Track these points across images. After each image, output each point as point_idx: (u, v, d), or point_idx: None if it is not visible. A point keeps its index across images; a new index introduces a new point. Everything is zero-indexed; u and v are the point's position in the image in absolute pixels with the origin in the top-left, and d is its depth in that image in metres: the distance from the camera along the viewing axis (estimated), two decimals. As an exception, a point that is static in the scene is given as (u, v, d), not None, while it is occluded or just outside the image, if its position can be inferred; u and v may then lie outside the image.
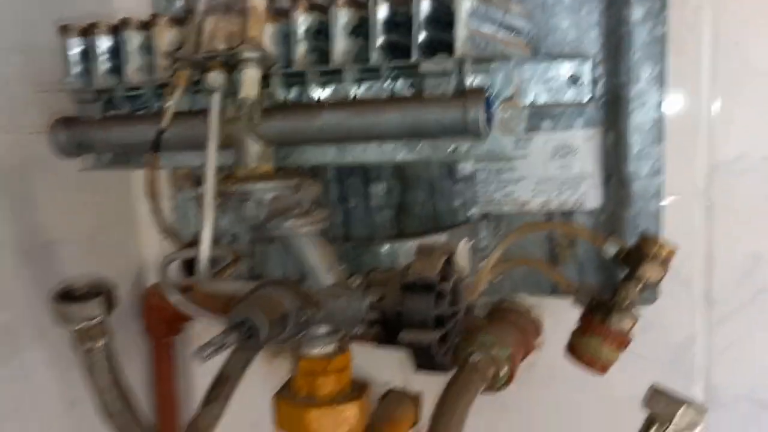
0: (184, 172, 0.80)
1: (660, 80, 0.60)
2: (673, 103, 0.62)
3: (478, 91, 0.45)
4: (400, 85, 0.48)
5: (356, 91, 0.49)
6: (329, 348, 0.57)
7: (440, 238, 0.55)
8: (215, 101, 0.45)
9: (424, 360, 0.48)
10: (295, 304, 0.51)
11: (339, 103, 0.49)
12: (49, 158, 0.61)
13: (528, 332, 0.67)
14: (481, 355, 0.60)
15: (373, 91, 0.49)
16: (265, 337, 0.48)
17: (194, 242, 0.49)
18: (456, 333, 0.50)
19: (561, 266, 0.67)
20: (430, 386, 0.80)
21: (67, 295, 0.58)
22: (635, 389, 0.67)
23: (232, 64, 0.47)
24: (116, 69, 0.53)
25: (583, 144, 0.64)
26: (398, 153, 0.50)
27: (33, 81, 0.66)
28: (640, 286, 0.53)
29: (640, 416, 0.59)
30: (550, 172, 0.66)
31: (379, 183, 0.74)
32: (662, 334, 0.65)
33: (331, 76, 0.49)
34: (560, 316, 0.69)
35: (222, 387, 0.75)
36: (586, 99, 0.60)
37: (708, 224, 0.62)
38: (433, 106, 0.45)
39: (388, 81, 0.49)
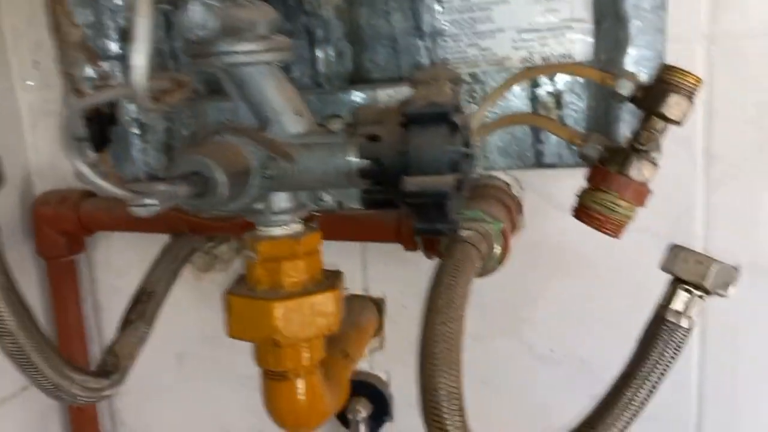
0: (75, 39, 0.63)
1: None
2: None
3: None
4: None
5: None
6: (296, 226, 0.46)
7: (450, 69, 0.43)
8: None
9: (434, 216, 0.38)
10: (260, 155, 0.39)
11: None
12: None
13: (511, 209, 0.59)
14: (472, 230, 0.50)
15: None
16: (224, 195, 0.35)
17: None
18: (468, 183, 0.40)
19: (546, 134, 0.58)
20: (391, 292, 0.71)
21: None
22: (630, 266, 0.61)
23: None
24: None
25: (573, -17, 0.55)
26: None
27: None
28: (663, 125, 0.45)
29: (637, 295, 0.53)
30: (533, 19, 0.56)
31: (327, 45, 0.62)
32: (659, 202, 0.58)
33: None
34: (545, 191, 0.61)
35: (145, 305, 0.62)
36: None
37: (710, 71, 0.55)
38: None
39: None
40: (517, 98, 0.59)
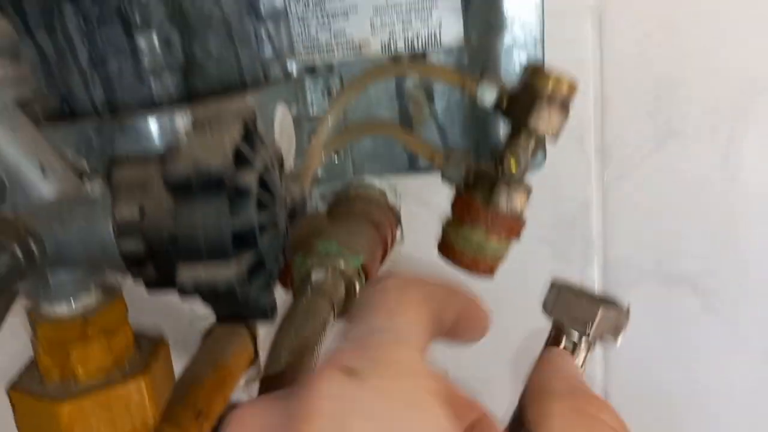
0: None
1: None
2: None
3: None
4: None
5: None
6: (87, 298, 0.36)
7: (242, 103, 0.34)
8: None
9: (228, 307, 0.29)
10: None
11: None
12: None
13: (384, 225, 0.50)
14: (325, 270, 0.42)
15: None
16: None
17: None
18: (276, 253, 0.31)
19: (417, 130, 0.49)
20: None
21: None
22: (523, 277, 0.54)
23: None
24: None
25: (436, -50, 0.44)
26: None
27: None
28: (533, 141, 0.37)
29: (535, 316, 0.46)
30: (393, -4, 0.46)
31: (149, 30, 0.50)
32: (552, 205, 0.51)
33: None
34: (423, 198, 0.53)
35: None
36: None
37: (600, 52, 0.47)
38: None
39: None
40: (381, 91, 0.49)
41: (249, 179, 0.28)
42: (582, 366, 0.40)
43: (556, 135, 0.38)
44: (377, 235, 0.48)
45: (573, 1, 0.45)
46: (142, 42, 0.50)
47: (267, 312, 0.30)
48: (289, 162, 0.47)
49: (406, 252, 0.54)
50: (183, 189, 0.26)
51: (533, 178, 0.47)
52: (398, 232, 0.54)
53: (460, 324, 0.27)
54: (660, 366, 0.54)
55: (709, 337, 0.52)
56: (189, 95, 0.51)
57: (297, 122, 0.48)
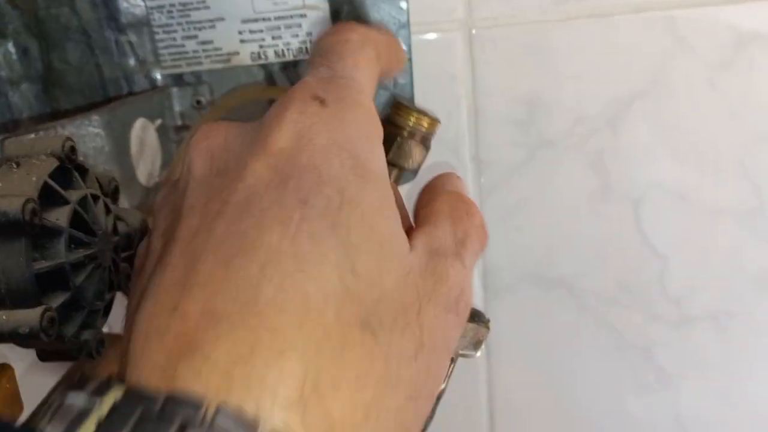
0: None
1: None
2: None
3: None
4: None
5: None
6: None
7: (59, 135, 0.32)
8: None
9: (45, 349, 0.28)
10: None
11: None
12: None
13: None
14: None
15: None
16: None
17: None
18: (99, 289, 0.29)
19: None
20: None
21: None
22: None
23: None
24: None
25: (301, -41, 0.43)
26: None
27: None
28: (395, 172, 0.37)
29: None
30: (259, 5, 0.45)
31: (5, 41, 0.47)
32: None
33: None
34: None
35: None
36: None
37: (471, 66, 0.47)
38: None
39: None
40: (256, 107, 0.48)
41: (58, 218, 0.26)
42: (445, 380, 0.41)
43: (416, 169, 0.38)
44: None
45: (442, 16, 0.45)
46: (-3, 50, 0.47)
47: (91, 350, 0.29)
48: (155, 174, 0.45)
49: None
50: (-21, 232, 0.25)
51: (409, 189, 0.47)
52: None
53: (390, 66, 0.32)
54: (543, 367, 0.55)
55: (586, 337, 0.53)
56: (51, 106, 0.49)
57: (164, 133, 0.47)
